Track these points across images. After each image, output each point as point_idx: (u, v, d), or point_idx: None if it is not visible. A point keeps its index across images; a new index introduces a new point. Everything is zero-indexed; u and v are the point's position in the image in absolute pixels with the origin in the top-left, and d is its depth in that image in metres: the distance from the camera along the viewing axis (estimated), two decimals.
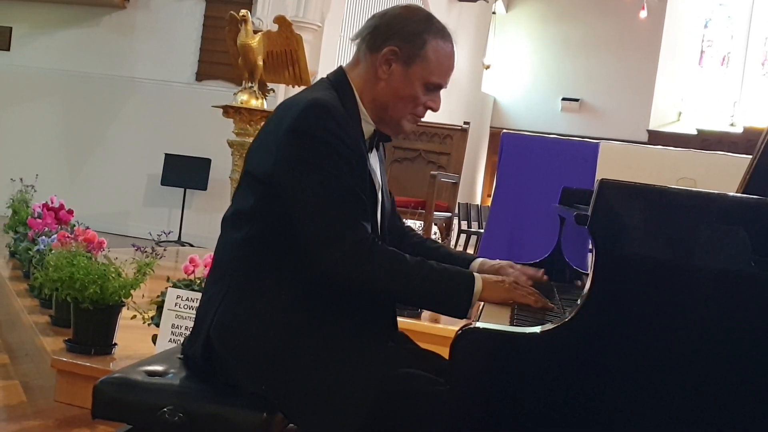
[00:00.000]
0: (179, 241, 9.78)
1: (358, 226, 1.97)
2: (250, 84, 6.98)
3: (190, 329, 2.48)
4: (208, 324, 2.05)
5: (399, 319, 2.32)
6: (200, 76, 10.53)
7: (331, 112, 2.00)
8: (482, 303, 2.17)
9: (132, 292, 3.69)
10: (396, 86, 2.11)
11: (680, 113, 18.10)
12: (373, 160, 2.17)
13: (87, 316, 3.65)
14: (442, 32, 2.14)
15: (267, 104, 7.06)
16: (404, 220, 5.51)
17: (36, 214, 6.13)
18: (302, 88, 7.18)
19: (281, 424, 2.10)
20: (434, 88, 2.15)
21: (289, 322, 2.00)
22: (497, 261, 2.34)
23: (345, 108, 2.08)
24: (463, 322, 1.87)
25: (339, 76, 2.16)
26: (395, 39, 2.10)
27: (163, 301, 3.53)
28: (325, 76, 2.21)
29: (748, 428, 1.60)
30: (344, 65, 2.20)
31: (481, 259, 2.37)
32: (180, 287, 3.55)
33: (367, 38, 2.14)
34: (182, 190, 10.18)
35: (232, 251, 2.09)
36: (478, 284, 2.02)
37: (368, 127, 2.14)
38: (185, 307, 3.46)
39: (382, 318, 2.14)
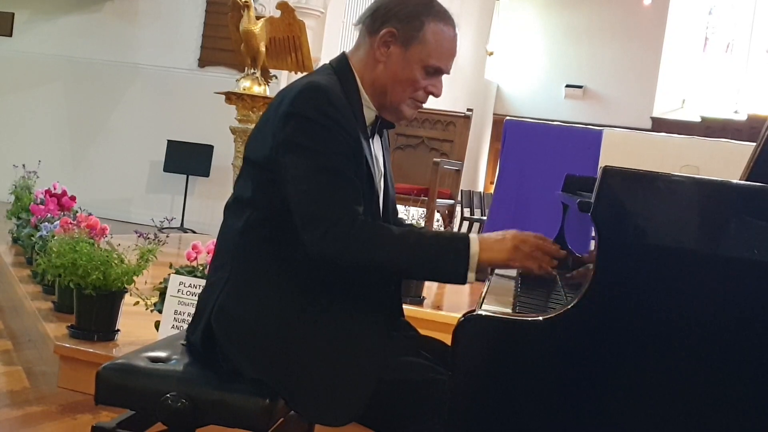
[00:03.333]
0: (182, 228, 9.78)
1: (344, 206, 1.94)
2: (252, 70, 6.97)
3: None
4: (208, 311, 2.06)
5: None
6: (203, 63, 10.53)
7: (326, 94, 1.99)
8: (485, 289, 2.16)
9: (135, 278, 3.69)
10: (394, 69, 2.09)
11: (684, 100, 18.05)
12: (376, 146, 2.16)
13: (90, 302, 3.66)
14: (442, 15, 2.11)
15: (269, 91, 7.05)
16: (407, 207, 5.51)
17: (39, 201, 6.15)
18: (305, 74, 7.22)
19: (284, 410, 2.11)
20: (434, 72, 2.12)
21: (290, 308, 2.00)
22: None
23: (346, 93, 2.07)
24: (466, 308, 1.86)
25: (341, 62, 2.16)
26: (393, 21, 2.08)
27: (165, 288, 3.54)
28: (328, 61, 2.21)
29: (754, 413, 1.60)
30: (347, 51, 2.20)
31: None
32: (183, 274, 3.56)
33: (367, 21, 2.13)
34: (185, 176, 10.18)
35: (233, 238, 2.09)
36: (474, 246, 1.92)
37: (370, 113, 2.14)
38: (188, 293, 3.47)
39: (385, 305, 2.14)
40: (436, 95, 2.16)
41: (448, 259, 1.93)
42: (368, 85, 2.13)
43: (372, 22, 2.12)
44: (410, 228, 2.01)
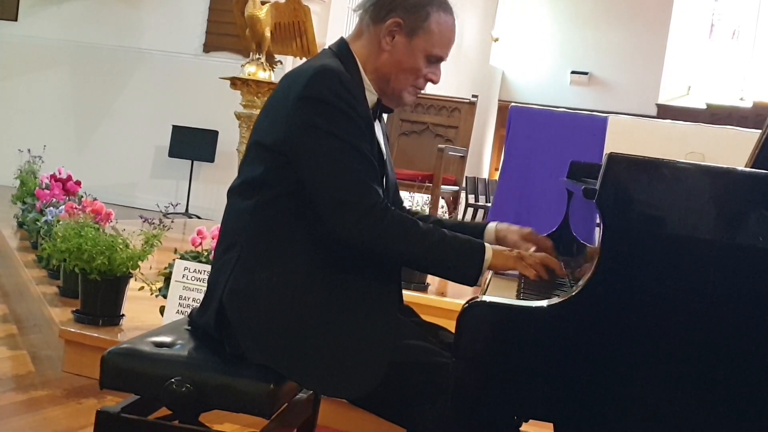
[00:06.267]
0: (186, 213, 9.80)
1: (371, 190, 1.99)
2: (257, 55, 6.96)
3: (198, 301, 2.49)
4: (220, 292, 2.06)
5: (406, 292, 2.32)
6: (208, 48, 10.51)
7: (341, 78, 2.02)
8: (489, 275, 2.17)
9: (139, 263, 3.70)
10: (399, 58, 2.13)
11: (689, 87, 18.01)
12: (378, 130, 2.18)
13: (95, 287, 3.67)
14: (444, 4, 2.15)
15: (274, 76, 7.04)
16: (412, 193, 5.51)
17: (44, 185, 6.15)
18: (308, 59, 7.20)
19: (288, 395, 2.12)
20: (435, 60, 2.17)
21: (302, 286, 2.01)
22: (516, 227, 2.33)
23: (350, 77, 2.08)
24: (469, 295, 1.87)
25: (342, 47, 2.17)
26: (399, 11, 2.11)
27: (170, 273, 3.55)
28: (327, 47, 2.22)
29: (757, 401, 1.60)
30: (346, 36, 2.21)
31: (495, 224, 2.34)
32: (187, 259, 3.56)
33: (370, 10, 2.15)
34: (189, 161, 10.18)
35: (242, 219, 2.09)
36: (488, 253, 2.03)
37: (372, 97, 2.16)
38: (193, 278, 3.47)
39: (392, 284, 2.15)
40: (435, 82, 2.21)
41: (465, 261, 2.03)
42: (371, 71, 2.15)
43: (376, 11, 2.13)
44: (434, 226, 2.06)
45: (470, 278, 2.03)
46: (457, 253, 2.03)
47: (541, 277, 2.08)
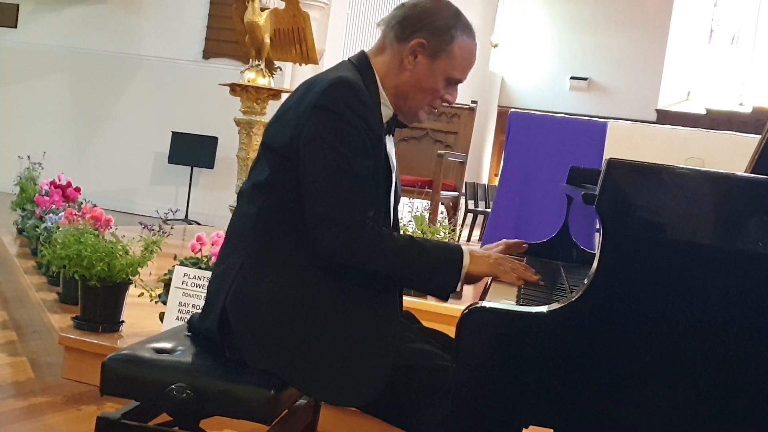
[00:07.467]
0: (186, 220, 9.80)
1: (356, 210, 1.98)
2: (257, 62, 6.96)
3: (198, 307, 2.48)
4: (223, 296, 2.06)
5: (405, 298, 2.32)
6: (207, 54, 10.53)
7: (356, 90, 2.02)
8: (489, 282, 2.17)
9: (139, 269, 3.70)
10: (419, 78, 2.14)
11: (689, 92, 18.02)
12: (389, 144, 2.19)
13: (94, 293, 3.67)
14: (468, 29, 2.18)
15: (274, 82, 7.05)
16: (411, 199, 5.50)
17: (43, 192, 6.16)
18: (309, 66, 7.18)
19: (289, 401, 2.11)
20: (454, 82, 2.19)
21: (304, 292, 2.01)
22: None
23: (368, 90, 2.09)
24: (469, 301, 1.87)
25: (362, 60, 2.18)
26: (424, 31, 2.12)
27: (170, 279, 3.55)
28: (347, 58, 2.23)
29: (759, 406, 1.60)
30: (367, 50, 2.22)
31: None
32: (187, 265, 3.56)
33: (396, 27, 2.15)
34: (189, 168, 10.19)
35: (247, 224, 2.10)
36: (466, 259, 2.04)
37: (387, 112, 2.17)
38: (192, 285, 3.47)
39: (392, 293, 2.15)
40: (451, 103, 2.25)
41: (442, 272, 2.04)
42: (390, 88, 2.16)
43: (402, 29, 2.14)
44: (410, 237, 2.06)
45: (449, 287, 2.04)
46: (434, 265, 2.03)
47: (524, 280, 2.09)
